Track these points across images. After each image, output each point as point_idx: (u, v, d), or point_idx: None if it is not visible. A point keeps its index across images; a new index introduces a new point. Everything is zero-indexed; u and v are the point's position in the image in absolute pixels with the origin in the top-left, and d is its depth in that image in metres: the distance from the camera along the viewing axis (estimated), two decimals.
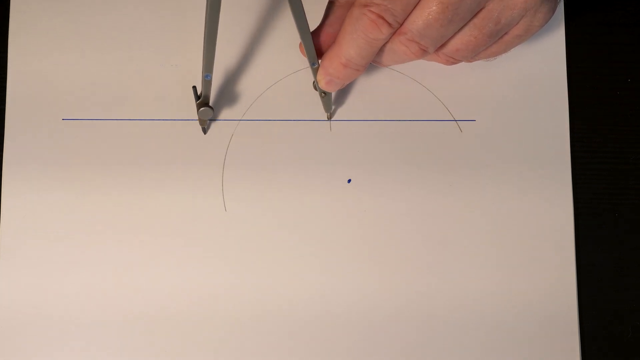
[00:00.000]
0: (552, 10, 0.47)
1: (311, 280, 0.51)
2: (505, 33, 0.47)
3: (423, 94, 0.53)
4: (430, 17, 0.44)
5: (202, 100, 0.50)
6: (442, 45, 0.47)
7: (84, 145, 0.52)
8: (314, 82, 0.50)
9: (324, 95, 0.51)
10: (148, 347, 0.51)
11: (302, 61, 0.52)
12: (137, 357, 0.50)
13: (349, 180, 0.52)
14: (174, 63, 0.53)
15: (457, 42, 0.47)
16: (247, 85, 0.53)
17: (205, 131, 0.52)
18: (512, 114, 0.53)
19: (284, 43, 0.53)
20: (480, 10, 0.45)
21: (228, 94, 0.53)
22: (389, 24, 0.45)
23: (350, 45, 0.46)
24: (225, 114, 0.53)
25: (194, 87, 0.50)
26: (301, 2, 0.45)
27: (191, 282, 0.51)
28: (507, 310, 0.51)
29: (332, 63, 0.48)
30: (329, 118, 0.53)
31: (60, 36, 0.54)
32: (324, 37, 0.48)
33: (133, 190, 0.52)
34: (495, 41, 0.47)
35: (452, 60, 0.49)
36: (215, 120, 0.53)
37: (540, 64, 0.53)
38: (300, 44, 0.48)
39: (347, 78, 0.48)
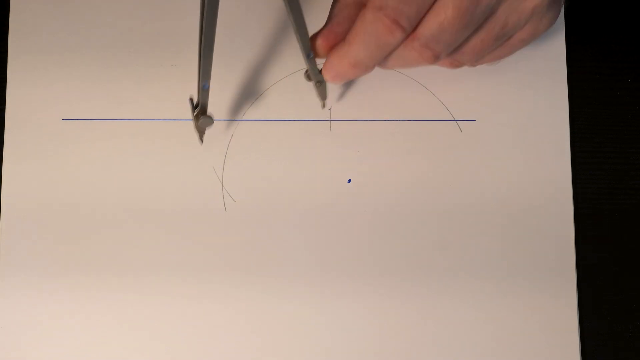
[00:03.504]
0: (557, 16, 0.47)
1: (311, 279, 0.51)
2: (511, 36, 0.47)
3: (423, 94, 0.53)
4: (446, 22, 0.43)
5: (199, 111, 0.48)
6: None
7: (84, 145, 0.52)
8: (306, 71, 0.49)
9: (320, 84, 0.50)
10: None
11: (302, 61, 0.52)
12: None
13: (349, 180, 0.52)
14: (173, 63, 0.53)
15: (464, 45, 0.46)
16: (247, 85, 0.53)
17: (202, 140, 0.51)
18: (512, 114, 0.53)
19: (285, 43, 0.53)
20: (490, 14, 0.45)
21: (228, 94, 0.53)
22: (403, 28, 0.43)
23: (361, 47, 0.45)
24: (225, 114, 0.53)
25: (191, 99, 0.48)
26: None
27: (191, 282, 0.51)
28: (506, 310, 0.51)
29: (340, 62, 0.46)
30: (324, 106, 0.52)
31: (60, 36, 0.54)
32: (331, 37, 0.47)
33: (133, 191, 0.52)
34: (500, 44, 0.47)
35: (457, 63, 0.48)
36: (215, 120, 0.52)
37: (540, 64, 0.53)
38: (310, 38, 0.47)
39: (354, 76, 0.47)
